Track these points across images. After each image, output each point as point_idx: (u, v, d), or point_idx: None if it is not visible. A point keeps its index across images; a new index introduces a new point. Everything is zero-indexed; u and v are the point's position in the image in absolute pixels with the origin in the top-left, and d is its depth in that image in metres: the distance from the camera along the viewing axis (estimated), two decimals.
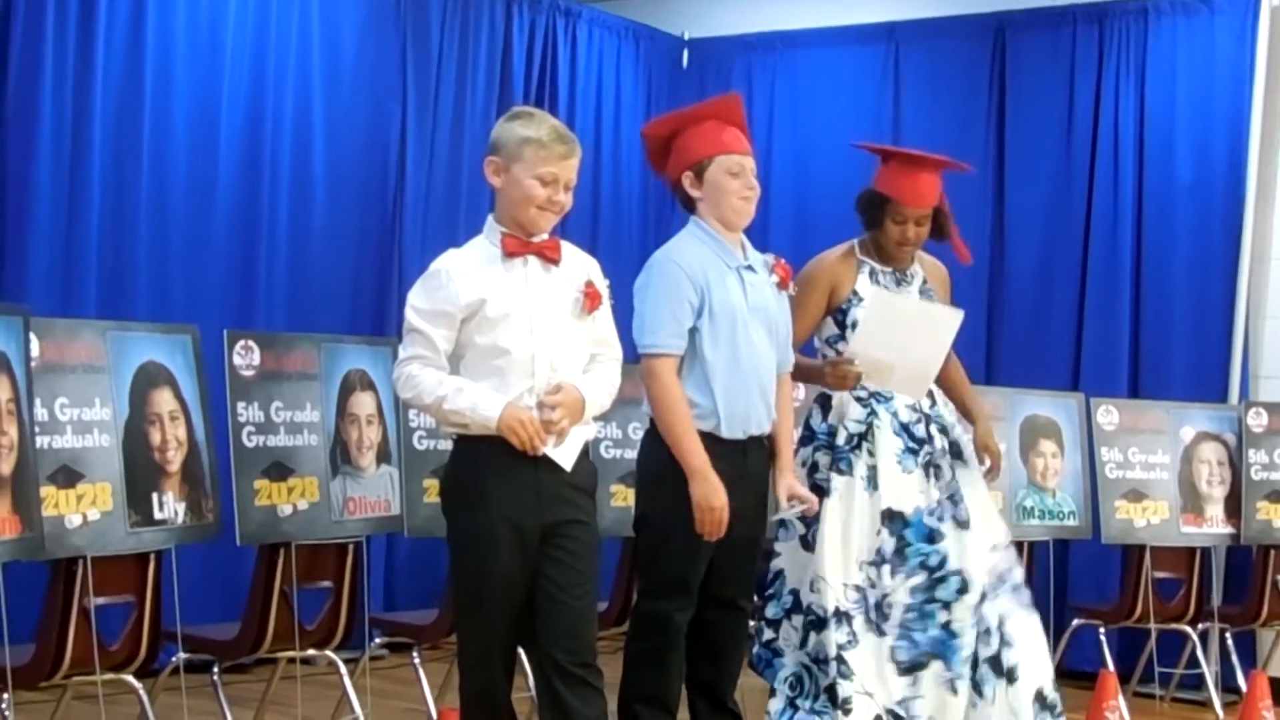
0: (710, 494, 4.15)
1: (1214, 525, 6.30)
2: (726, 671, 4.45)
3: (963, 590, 4.56)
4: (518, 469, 3.70)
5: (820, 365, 4.66)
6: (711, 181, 4.30)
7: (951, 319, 4.71)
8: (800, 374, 4.66)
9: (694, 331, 4.24)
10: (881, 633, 4.52)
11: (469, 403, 3.68)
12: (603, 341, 3.93)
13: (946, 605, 4.56)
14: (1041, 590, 6.18)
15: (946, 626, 4.55)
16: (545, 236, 3.82)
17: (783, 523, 4.55)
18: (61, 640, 4.08)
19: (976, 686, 4.54)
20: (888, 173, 4.70)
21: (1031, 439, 6.13)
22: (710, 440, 4.22)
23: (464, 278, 3.73)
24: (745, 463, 4.31)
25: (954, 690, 4.53)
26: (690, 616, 4.31)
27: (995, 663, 4.54)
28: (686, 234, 4.37)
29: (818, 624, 4.53)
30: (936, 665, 4.52)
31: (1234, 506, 6.30)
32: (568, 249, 3.89)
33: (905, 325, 4.61)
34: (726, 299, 4.26)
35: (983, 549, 4.61)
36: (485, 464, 3.72)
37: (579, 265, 3.90)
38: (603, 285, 3.90)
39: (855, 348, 4.57)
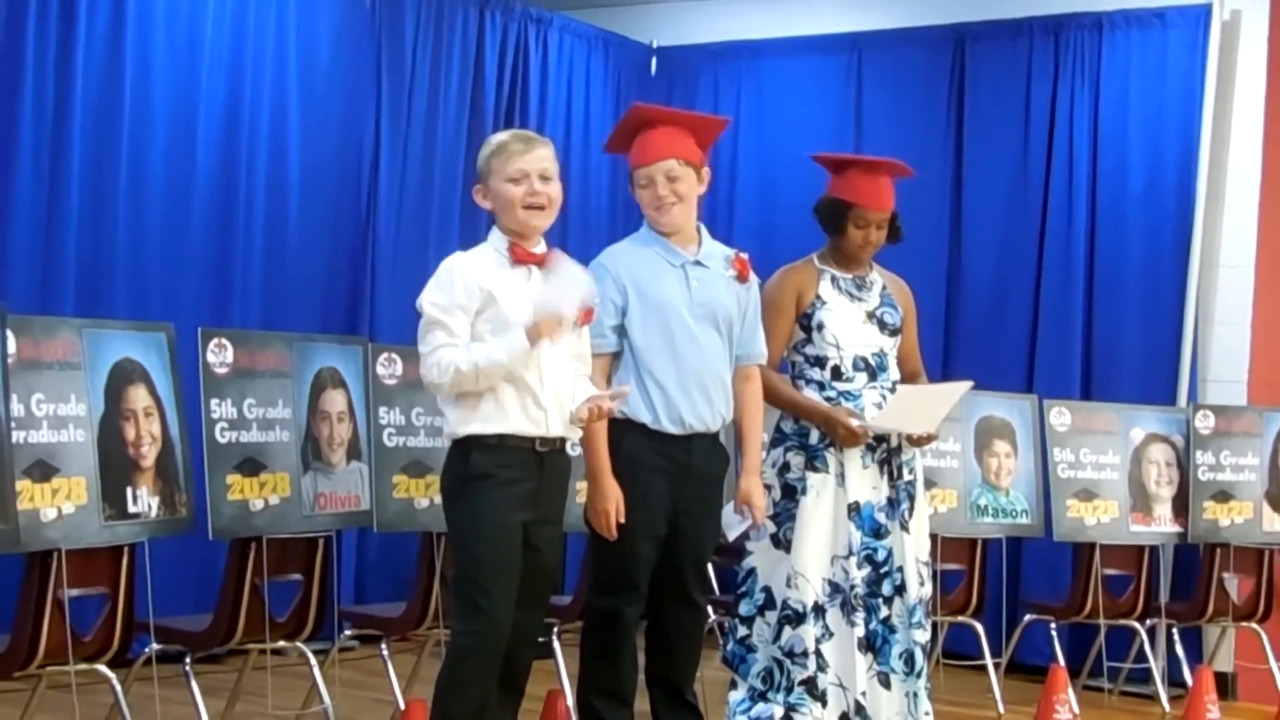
0: (597, 497, 4.24)
1: (1162, 524, 6.42)
2: (682, 665, 4.51)
3: (901, 588, 4.70)
4: (519, 466, 3.91)
5: (824, 413, 4.66)
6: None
7: (960, 388, 4.92)
8: (789, 407, 4.73)
9: (624, 328, 4.34)
10: (853, 623, 4.62)
11: (499, 346, 3.83)
12: (582, 357, 4.12)
13: (888, 600, 4.69)
14: (994, 586, 6.34)
15: (886, 621, 4.68)
16: (543, 248, 4.02)
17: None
18: (36, 631, 4.13)
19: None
20: (847, 180, 4.81)
21: (986, 439, 6.25)
22: (646, 433, 4.31)
23: (474, 272, 3.92)
24: (690, 459, 4.36)
25: (886, 684, 4.66)
26: (640, 610, 4.38)
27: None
28: (631, 236, 4.50)
29: (795, 619, 4.62)
30: (868, 658, 4.64)
31: (1181, 506, 6.41)
32: (569, 262, 4.06)
33: (924, 403, 4.79)
34: (659, 295, 4.34)
35: (916, 556, 4.74)
36: (485, 459, 3.90)
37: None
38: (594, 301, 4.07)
39: (876, 423, 4.66)
